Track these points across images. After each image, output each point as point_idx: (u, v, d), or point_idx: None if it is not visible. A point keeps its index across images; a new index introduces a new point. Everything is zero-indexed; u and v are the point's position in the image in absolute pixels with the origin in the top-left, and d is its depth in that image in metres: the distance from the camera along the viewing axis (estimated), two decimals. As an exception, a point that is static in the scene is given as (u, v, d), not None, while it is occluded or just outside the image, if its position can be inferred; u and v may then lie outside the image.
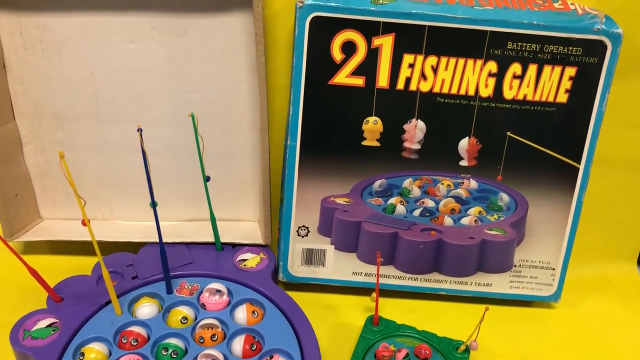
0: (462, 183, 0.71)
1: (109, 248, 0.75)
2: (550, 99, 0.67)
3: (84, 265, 0.73)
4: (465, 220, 0.73)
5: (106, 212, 0.80)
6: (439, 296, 0.77)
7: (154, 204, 0.63)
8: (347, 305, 0.77)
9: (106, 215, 0.81)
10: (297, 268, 0.75)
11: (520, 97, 0.67)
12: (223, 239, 0.77)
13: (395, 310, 0.72)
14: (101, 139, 0.76)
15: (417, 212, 0.73)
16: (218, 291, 0.70)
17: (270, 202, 0.75)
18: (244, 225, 0.81)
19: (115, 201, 0.80)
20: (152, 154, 0.61)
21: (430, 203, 0.73)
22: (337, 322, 0.74)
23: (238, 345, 0.64)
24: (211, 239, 0.77)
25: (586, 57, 0.65)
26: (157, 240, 0.66)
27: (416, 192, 0.73)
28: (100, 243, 0.62)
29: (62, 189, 0.79)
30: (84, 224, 0.59)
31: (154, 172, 0.62)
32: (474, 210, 0.73)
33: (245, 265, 0.75)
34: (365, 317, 0.70)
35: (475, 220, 0.73)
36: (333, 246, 0.74)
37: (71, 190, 0.58)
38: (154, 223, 0.78)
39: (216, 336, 0.65)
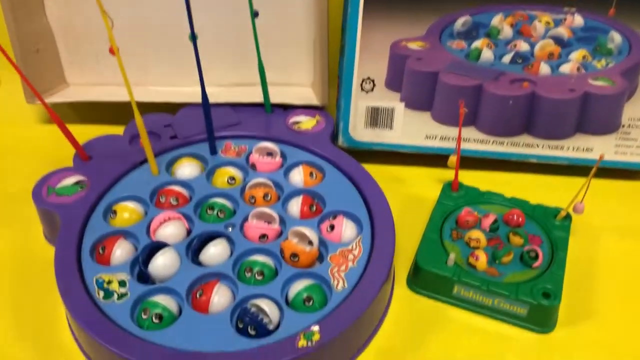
0: (565, 20, 0.58)
1: (143, 111, 0.65)
2: None
3: (114, 132, 0.64)
4: (565, 68, 0.60)
5: (140, 76, 0.70)
6: (527, 165, 0.65)
7: (193, 37, 0.52)
8: (417, 176, 0.66)
9: (140, 80, 0.70)
10: (360, 131, 0.64)
11: None
12: (273, 100, 0.67)
13: (474, 183, 0.61)
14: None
15: (507, 59, 0.61)
16: (269, 154, 0.60)
17: (327, 53, 0.64)
18: (296, 89, 0.70)
19: (150, 64, 0.70)
20: (193, 10, 0.51)
21: (523, 46, 0.60)
22: (406, 193, 0.63)
23: (295, 206, 0.55)
24: (259, 100, 0.67)
25: None
26: (198, 101, 0.56)
27: (507, 32, 0.60)
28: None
29: (89, 50, 0.69)
30: (112, 51, 0.49)
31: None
32: (577, 55, 0.60)
33: (299, 128, 0.64)
34: (439, 190, 0.60)
35: (578, 68, 0.60)
36: (403, 103, 0.62)
37: (100, 49, 0.48)
38: (191, 88, 0.69)
39: (269, 196, 0.55)
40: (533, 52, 0.61)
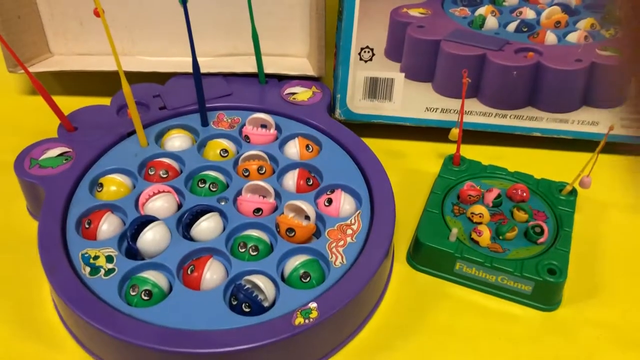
0: (573, -15, 0.56)
1: (130, 82, 0.62)
2: None
3: (100, 104, 0.62)
4: (572, 37, 0.58)
5: (127, 45, 0.67)
6: (531, 139, 0.63)
7: (184, 0, 0.49)
8: (417, 150, 0.63)
9: (127, 49, 0.67)
10: (357, 103, 0.62)
11: None
12: (267, 71, 0.64)
13: (476, 157, 0.58)
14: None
15: (512, 27, 0.58)
16: (263, 126, 0.58)
17: (325, 21, 0.61)
18: (291, 59, 0.68)
19: (137, 33, 0.67)
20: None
21: (529, 14, 0.58)
22: (406, 168, 0.61)
23: (291, 180, 0.52)
24: (252, 70, 0.64)
25: None
26: (188, 71, 0.53)
27: (513, -2, 0.58)
28: (119, 74, 0.50)
29: (74, 15, 0.66)
30: (96, 13, 0.46)
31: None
32: (585, 23, 0.57)
33: (294, 99, 0.62)
34: (440, 165, 0.58)
35: (585, 37, 0.57)
36: (403, 74, 0.59)
37: (84, 17, 0.44)
38: (181, 58, 0.66)
39: (264, 169, 0.53)
40: (539, 20, 0.58)
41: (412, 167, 0.62)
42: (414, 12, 0.58)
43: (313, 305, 0.42)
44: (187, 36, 0.51)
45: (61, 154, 0.53)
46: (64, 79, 0.71)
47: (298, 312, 0.41)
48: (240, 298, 0.42)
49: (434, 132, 0.63)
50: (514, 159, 0.62)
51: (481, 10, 0.58)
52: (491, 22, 0.58)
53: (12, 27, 0.62)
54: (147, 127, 0.57)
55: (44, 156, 0.53)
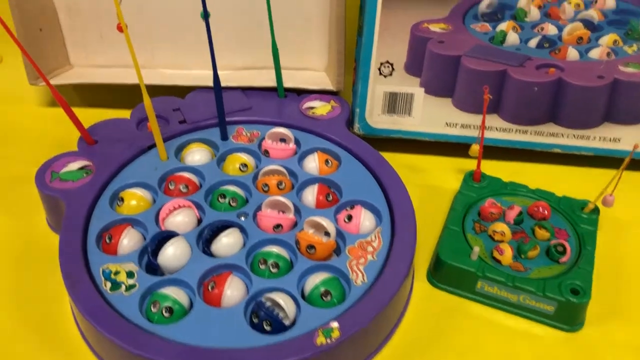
0: (596, 1, 0.55)
1: (149, 95, 0.63)
2: None
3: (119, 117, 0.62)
4: (594, 53, 0.57)
5: (146, 58, 0.68)
6: (551, 155, 0.62)
7: (206, 14, 0.49)
8: (436, 165, 0.63)
9: (146, 62, 0.67)
10: (377, 117, 0.61)
11: None
12: (286, 85, 0.64)
13: (496, 174, 0.58)
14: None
15: (533, 42, 0.58)
16: (283, 140, 0.58)
17: (345, 35, 0.61)
18: (309, 73, 0.68)
19: (156, 46, 0.67)
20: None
21: (551, 29, 0.58)
22: (424, 184, 0.61)
23: (310, 195, 0.52)
24: (271, 84, 0.64)
25: None
26: (207, 85, 0.53)
27: (535, 14, 0.57)
28: (139, 87, 0.50)
29: (94, 29, 0.66)
30: (119, 29, 0.46)
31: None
32: (608, 39, 0.57)
33: (313, 113, 0.62)
34: (460, 180, 0.57)
35: (608, 53, 0.57)
36: (423, 89, 0.59)
37: (105, 29, 0.44)
38: (199, 71, 0.66)
39: (283, 184, 0.53)
40: (561, 35, 0.58)
41: (430, 183, 0.61)
42: (435, 28, 0.57)
43: (335, 324, 0.42)
44: (206, 49, 0.51)
45: (81, 168, 0.53)
46: (82, 91, 0.72)
47: (320, 331, 0.41)
48: (262, 316, 0.42)
49: (453, 148, 0.63)
50: (534, 176, 0.61)
51: (502, 26, 0.58)
52: (512, 38, 0.58)
53: (34, 40, 0.63)
54: (167, 140, 0.57)
55: (64, 169, 0.53)
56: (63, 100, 0.54)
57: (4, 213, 0.57)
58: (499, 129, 0.60)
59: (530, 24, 0.58)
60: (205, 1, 0.48)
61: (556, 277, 0.48)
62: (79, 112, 0.57)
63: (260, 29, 0.63)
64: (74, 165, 0.53)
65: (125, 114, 0.61)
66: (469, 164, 0.60)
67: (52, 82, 0.64)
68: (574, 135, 0.60)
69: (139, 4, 0.64)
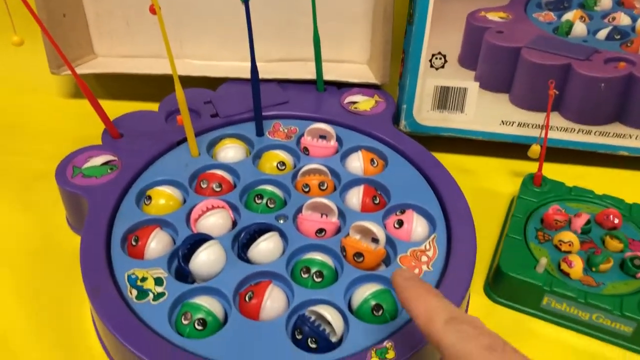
0: (675, -11, 0.50)
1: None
2: None
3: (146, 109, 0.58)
4: (671, 46, 0.52)
5: (175, 48, 0.62)
6: (617, 158, 0.57)
7: (245, -2, 0.45)
8: (490, 167, 0.58)
9: (175, 52, 0.62)
10: (425, 114, 0.56)
11: None
12: (325, 77, 0.59)
13: (556, 177, 0.53)
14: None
15: (602, 34, 0.53)
16: (323, 137, 0.53)
17: (392, 24, 0.56)
18: (350, 66, 0.63)
19: (185, 35, 0.63)
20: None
21: (624, 20, 0.52)
22: (477, 187, 0.56)
23: (355, 197, 0.47)
24: (308, 76, 0.59)
25: None
26: (237, 77, 0.48)
27: (606, 2, 0.52)
28: (167, 78, 0.46)
29: (121, 16, 0.62)
30: (152, 10, 0.42)
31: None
32: (687, 30, 0.52)
33: (356, 108, 0.57)
34: (516, 184, 0.52)
35: (687, 46, 0.52)
36: (478, 83, 0.54)
37: (132, 16, 0.40)
38: (232, 63, 0.62)
39: (325, 184, 0.48)
40: (635, 26, 0.52)
41: (483, 186, 0.56)
42: (493, 16, 0.52)
43: (389, 343, 0.37)
44: (236, 40, 0.47)
45: (106, 163, 0.49)
46: (106, 81, 0.67)
47: (373, 352, 0.36)
48: (306, 332, 0.37)
49: (507, 148, 0.58)
50: (599, 180, 0.56)
51: (569, 16, 0.53)
52: (579, 29, 0.53)
53: (57, 26, 0.59)
54: (198, 135, 0.52)
55: (87, 164, 0.49)
56: (88, 90, 0.49)
57: (21, 211, 0.53)
58: (560, 129, 0.55)
59: (601, 14, 0.53)
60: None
61: (634, 293, 0.43)
62: (102, 103, 0.53)
63: (296, 19, 0.59)
64: (98, 160, 0.49)
65: (151, 106, 0.57)
66: (525, 167, 0.55)
67: (76, 70, 0.60)
68: (643, 137, 0.55)
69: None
